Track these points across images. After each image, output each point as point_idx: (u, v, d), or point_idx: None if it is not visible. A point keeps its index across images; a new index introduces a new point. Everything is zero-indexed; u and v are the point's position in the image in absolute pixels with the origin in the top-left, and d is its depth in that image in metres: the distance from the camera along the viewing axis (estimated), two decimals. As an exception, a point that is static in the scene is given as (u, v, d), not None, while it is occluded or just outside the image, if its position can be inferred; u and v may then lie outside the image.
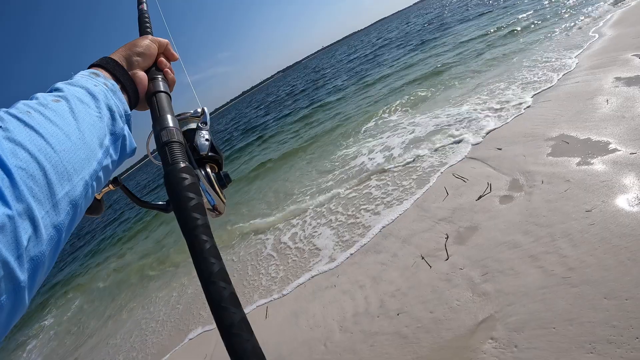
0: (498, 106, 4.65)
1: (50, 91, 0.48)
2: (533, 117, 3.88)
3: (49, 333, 5.75)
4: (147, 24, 0.80)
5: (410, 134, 5.28)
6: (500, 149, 3.54)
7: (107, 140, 0.48)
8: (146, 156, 0.67)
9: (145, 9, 0.85)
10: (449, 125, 4.81)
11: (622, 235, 1.93)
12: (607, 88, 3.69)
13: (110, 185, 0.64)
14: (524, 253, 2.18)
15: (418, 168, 4.04)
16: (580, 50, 5.41)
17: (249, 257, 4.20)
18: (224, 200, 0.60)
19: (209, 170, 0.59)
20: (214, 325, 2.76)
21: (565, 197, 2.43)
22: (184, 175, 0.45)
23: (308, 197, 4.91)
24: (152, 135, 0.57)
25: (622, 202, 2.16)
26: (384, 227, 3.27)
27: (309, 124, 10.30)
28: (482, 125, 4.31)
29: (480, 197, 2.95)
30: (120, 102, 0.54)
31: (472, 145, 3.91)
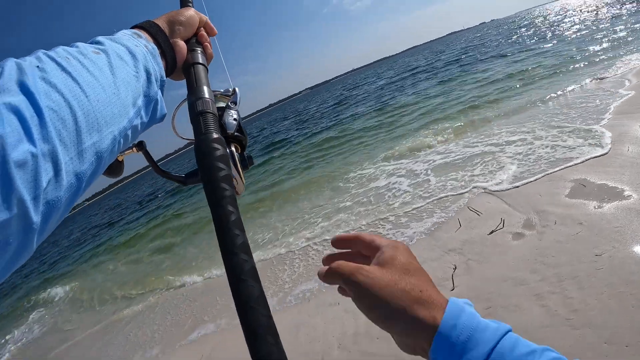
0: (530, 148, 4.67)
1: (92, 43, 0.48)
2: (553, 158, 3.88)
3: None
4: None
5: (435, 162, 5.36)
6: (517, 187, 3.55)
7: (140, 101, 0.49)
8: (187, 145, 0.66)
9: None
10: (474, 161, 4.86)
11: (629, 282, 1.92)
12: (630, 135, 3.68)
13: (134, 149, 0.64)
14: (529, 291, 2.19)
15: (439, 200, 4.09)
16: (610, 98, 5.39)
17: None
18: (244, 182, 0.60)
19: (233, 149, 0.58)
20: (213, 329, 2.81)
21: (576, 239, 2.44)
22: (216, 145, 0.45)
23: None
24: (183, 104, 0.59)
25: (633, 249, 2.16)
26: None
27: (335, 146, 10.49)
28: (507, 167, 4.34)
29: (492, 231, 2.97)
30: (158, 66, 0.55)
31: (494, 184, 3.94)
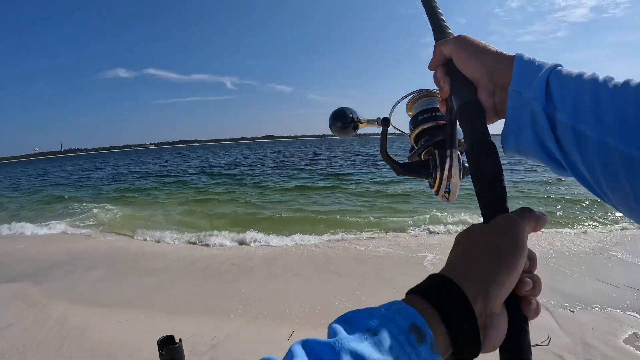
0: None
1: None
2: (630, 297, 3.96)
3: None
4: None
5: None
6: (573, 312, 3.73)
7: None
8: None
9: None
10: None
11: None
12: None
13: (377, 124, 0.71)
14: (554, 410, 2.47)
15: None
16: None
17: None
18: (457, 190, 0.60)
19: (458, 153, 0.59)
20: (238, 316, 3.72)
21: (613, 382, 2.65)
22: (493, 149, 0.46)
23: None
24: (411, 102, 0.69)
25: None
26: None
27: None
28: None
29: (536, 344, 3.22)
30: None
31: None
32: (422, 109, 0.66)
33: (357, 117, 0.74)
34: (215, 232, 7.25)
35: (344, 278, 4.69)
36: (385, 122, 0.70)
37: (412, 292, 0.37)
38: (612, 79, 0.40)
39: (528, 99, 0.45)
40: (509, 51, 0.51)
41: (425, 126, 0.64)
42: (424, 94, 0.68)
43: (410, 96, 0.69)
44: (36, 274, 5.54)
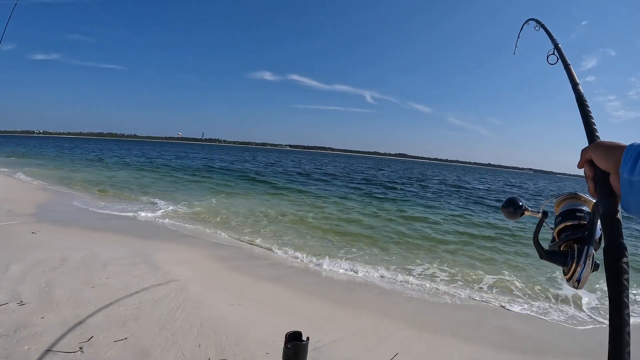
0: None
1: None
2: None
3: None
4: (595, 128, 0.81)
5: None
6: None
7: None
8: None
9: (584, 96, 0.94)
10: None
11: None
12: None
13: (539, 215, 0.87)
14: None
15: None
16: None
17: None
18: (586, 281, 0.71)
19: (593, 251, 0.71)
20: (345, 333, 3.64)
21: None
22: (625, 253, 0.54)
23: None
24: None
25: None
26: None
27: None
28: None
29: None
30: None
31: None
32: (569, 208, 0.79)
33: (525, 206, 0.93)
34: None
35: (454, 318, 4.40)
36: (545, 214, 0.85)
37: None
38: None
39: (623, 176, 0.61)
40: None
41: (569, 223, 0.76)
42: (572, 196, 0.82)
43: (561, 197, 0.83)
44: (167, 241, 6.17)
